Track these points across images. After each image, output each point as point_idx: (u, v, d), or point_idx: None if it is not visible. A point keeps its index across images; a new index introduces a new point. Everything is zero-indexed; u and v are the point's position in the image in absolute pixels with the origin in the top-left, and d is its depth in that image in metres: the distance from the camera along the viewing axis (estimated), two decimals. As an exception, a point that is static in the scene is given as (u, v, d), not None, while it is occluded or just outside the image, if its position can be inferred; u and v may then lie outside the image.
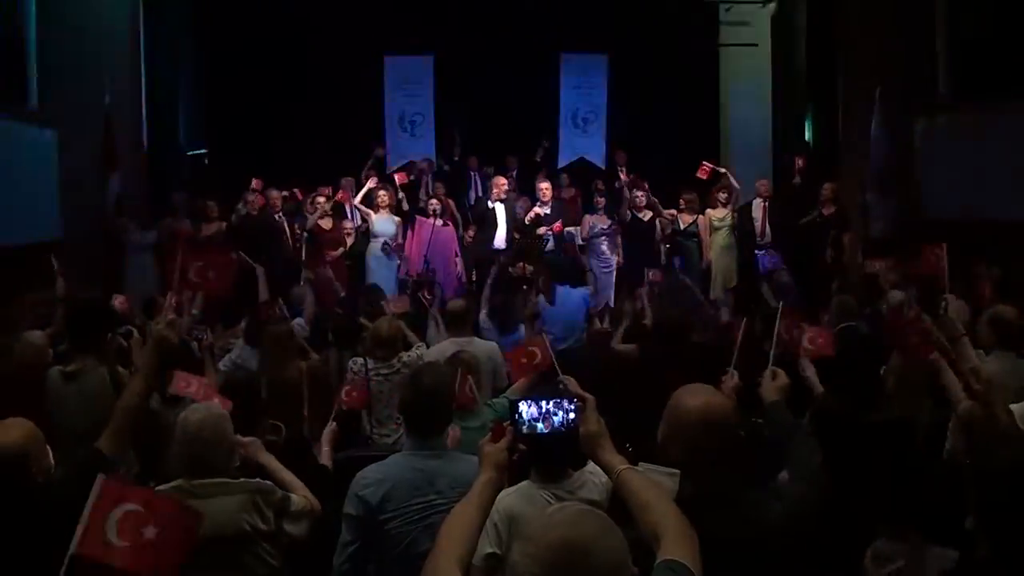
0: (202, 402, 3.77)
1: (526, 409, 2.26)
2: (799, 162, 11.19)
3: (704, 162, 10.74)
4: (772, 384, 3.11)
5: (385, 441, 5.41)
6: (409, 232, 10.58)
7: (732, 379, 3.79)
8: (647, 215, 10.60)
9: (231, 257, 7.07)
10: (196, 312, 6.82)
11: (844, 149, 11.45)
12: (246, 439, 3.70)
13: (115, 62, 10.43)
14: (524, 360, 4.76)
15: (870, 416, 4.04)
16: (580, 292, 8.03)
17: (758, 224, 10.66)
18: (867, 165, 10.35)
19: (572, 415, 2.26)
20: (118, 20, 10.58)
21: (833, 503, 2.55)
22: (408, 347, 5.92)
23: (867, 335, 6.39)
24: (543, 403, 2.27)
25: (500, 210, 10.46)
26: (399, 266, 10.39)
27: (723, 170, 10.93)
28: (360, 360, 5.67)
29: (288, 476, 3.59)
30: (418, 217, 10.50)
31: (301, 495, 3.49)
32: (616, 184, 11.97)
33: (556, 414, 2.26)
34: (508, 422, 2.30)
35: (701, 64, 13.54)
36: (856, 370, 4.87)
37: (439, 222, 10.18)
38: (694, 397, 2.43)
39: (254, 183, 10.39)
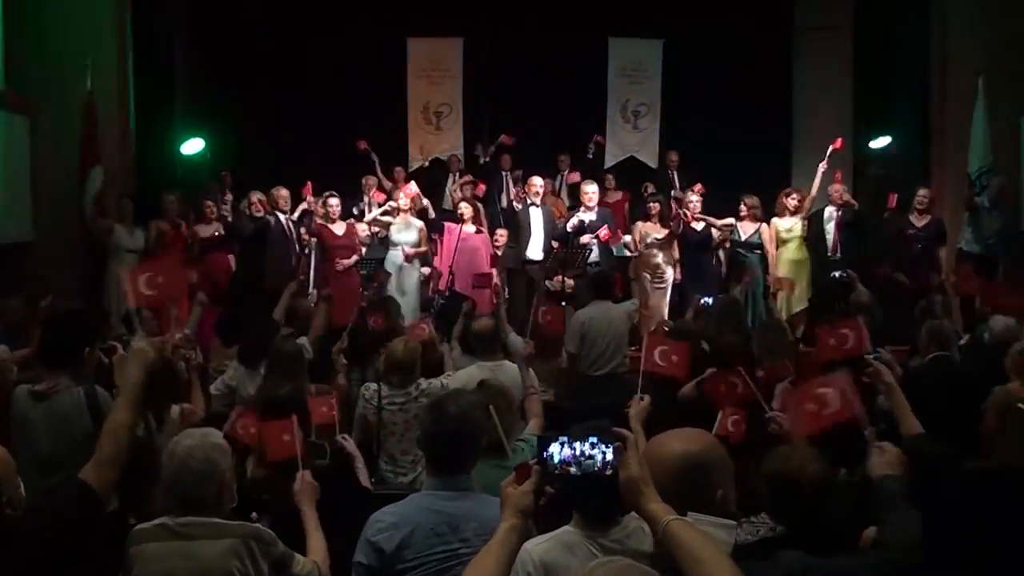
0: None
1: (557, 447, 2.24)
2: (893, 199, 10.52)
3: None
4: (880, 460, 3.07)
5: (401, 480, 5.40)
6: (436, 241, 10.59)
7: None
8: (701, 224, 10.54)
9: (181, 262, 7.14)
10: (188, 330, 6.85)
11: (939, 148, 11.33)
12: (309, 480, 3.76)
13: (98, 42, 10.49)
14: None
15: (970, 463, 3.96)
16: (623, 308, 8.00)
17: (831, 237, 10.50)
18: (965, 168, 10.26)
19: (610, 456, 2.23)
20: (100, -4, 10.68)
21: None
22: (434, 372, 5.91)
23: (963, 367, 6.30)
24: (576, 440, 2.24)
25: (535, 215, 10.45)
26: (423, 279, 10.43)
27: (824, 166, 10.69)
28: (373, 386, 5.67)
29: (316, 539, 3.59)
30: (446, 224, 10.47)
31: (312, 561, 3.46)
32: (671, 191, 11.92)
33: (591, 454, 2.24)
34: (534, 460, 2.28)
35: (771, 50, 13.47)
36: (951, 408, 4.80)
37: (471, 228, 10.18)
38: (664, 438, 2.42)
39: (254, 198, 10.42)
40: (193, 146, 11.91)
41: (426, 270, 10.68)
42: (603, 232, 10.11)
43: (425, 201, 11.48)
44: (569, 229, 10.25)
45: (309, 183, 10.59)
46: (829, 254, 10.39)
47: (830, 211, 10.51)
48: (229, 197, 10.96)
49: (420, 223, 10.52)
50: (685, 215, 10.54)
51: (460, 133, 13.49)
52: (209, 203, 10.35)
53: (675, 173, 12.81)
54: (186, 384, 5.57)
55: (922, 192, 10.24)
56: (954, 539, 3.09)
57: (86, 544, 3.03)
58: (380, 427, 5.53)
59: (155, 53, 11.82)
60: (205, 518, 3.26)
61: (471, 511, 3.18)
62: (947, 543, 3.01)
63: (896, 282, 9.53)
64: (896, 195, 10.34)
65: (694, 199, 10.59)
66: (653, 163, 13.52)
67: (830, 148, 10.52)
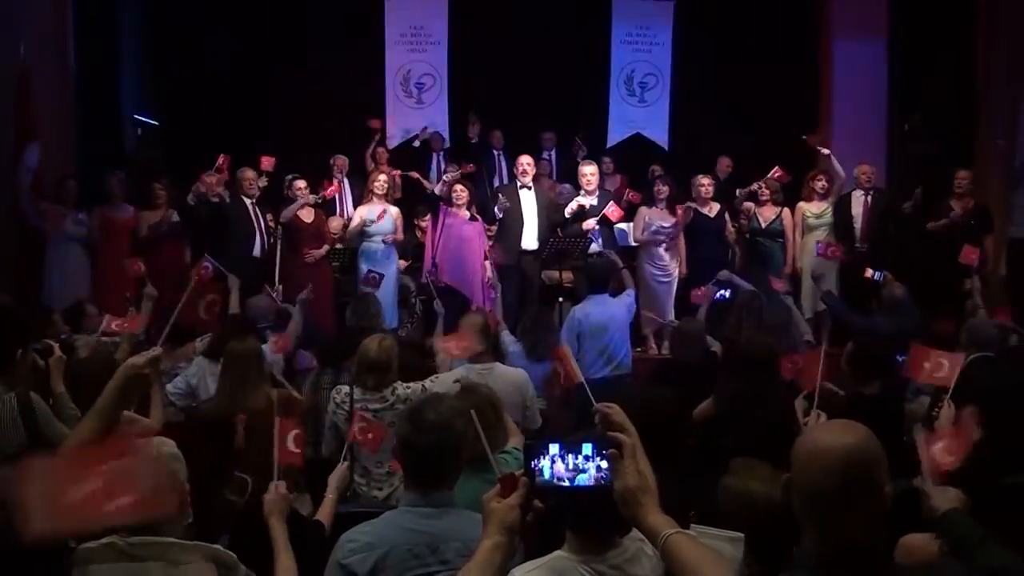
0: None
1: (546, 457, 2.27)
2: (917, 192, 10.47)
3: (811, 134, 10.63)
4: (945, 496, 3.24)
5: (375, 495, 5.43)
6: (433, 225, 10.59)
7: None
8: (713, 209, 10.51)
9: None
10: (138, 331, 6.89)
11: (984, 124, 11.31)
12: (283, 491, 3.75)
13: (33, 5, 10.51)
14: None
15: (1015, 479, 3.95)
16: (623, 301, 8.04)
17: (858, 224, 10.49)
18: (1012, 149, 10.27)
19: (605, 465, 2.27)
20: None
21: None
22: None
23: (1009, 371, 6.32)
24: (568, 449, 2.27)
25: (527, 198, 10.37)
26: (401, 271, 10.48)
27: (826, 151, 10.79)
28: (345, 389, 5.70)
29: (285, 559, 3.58)
30: (449, 209, 10.44)
31: None
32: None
33: (585, 464, 2.27)
34: (521, 472, 2.31)
35: (797, 13, 13.46)
36: (994, 416, 4.82)
37: (466, 215, 10.18)
38: (822, 431, 2.39)
39: (220, 160, 10.37)
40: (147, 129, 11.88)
41: (403, 263, 10.72)
42: (611, 210, 10.06)
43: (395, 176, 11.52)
44: (567, 215, 10.20)
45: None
46: (856, 244, 10.39)
47: (858, 195, 10.53)
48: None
49: (396, 209, 10.55)
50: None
51: (445, 107, 13.40)
52: (158, 186, 10.31)
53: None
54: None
55: (961, 174, 10.19)
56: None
57: (28, 570, 3.06)
58: (352, 435, 5.58)
59: (99, 16, 11.79)
60: (159, 537, 3.24)
61: (453, 530, 3.21)
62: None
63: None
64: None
65: (705, 183, 10.55)
66: (663, 142, 13.48)
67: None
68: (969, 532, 3.08)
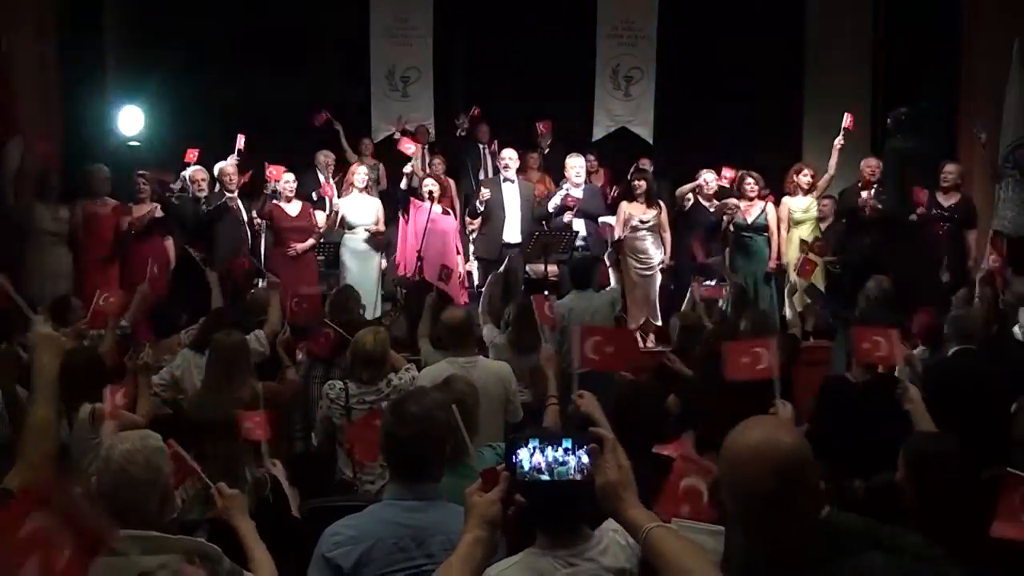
0: None
1: (525, 452, 2.29)
2: (920, 195, 10.24)
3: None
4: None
5: (368, 488, 5.45)
6: (402, 220, 10.61)
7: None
8: (713, 205, 10.50)
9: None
10: (125, 323, 6.90)
11: (968, 115, 11.33)
12: (228, 491, 3.74)
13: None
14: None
15: (991, 472, 3.97)
16: (606, 296, 8.05)
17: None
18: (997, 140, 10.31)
19: (585, 459, 2.28)
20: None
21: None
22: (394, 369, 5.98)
23: (990, 362, 6.36)
24: (549, 443, 2.29)
25: (510, 192, 10.38)
26: (383, 264, 10.48)
27: (841, 143, 10.53)
28: (339, 384, 5.74)
29: (260, 553, 3.57)
30: (413, 200, 10.47)
31: None
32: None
33: (565, 458, 2.29)
34: (502, 465, 2.33)
35: (781, 7, 13.48)
36: (972, 406, 4.88)
37: (436, 208, 10.17)
38: (754, 431, 2.37)
39: (188, 154, 10.42)
40: (131, 122, 11.81)
41: (384, 264, 10.74)
42: (570, 198, 10.08)
43: (380, 168, 11.46)
44: (552, 208, 10.19)
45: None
46: None
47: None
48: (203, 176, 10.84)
49: (377, 201, 10.57)
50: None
51: (431, 100, 13.37)
52: (141, 180, 10.30)
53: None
54: (134, 385, 5.64)
55: (949, 168, 10.08)
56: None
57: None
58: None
59: (84, 7, 11.73)
60: (143, 531, 3.23)
61: (438, 523, 3.21)
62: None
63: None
64: (926, 192, 10.14)
65: (710, 179, 10.58)
66: (648, 136, 13.50)
67: (844, 123, 10.43)
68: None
